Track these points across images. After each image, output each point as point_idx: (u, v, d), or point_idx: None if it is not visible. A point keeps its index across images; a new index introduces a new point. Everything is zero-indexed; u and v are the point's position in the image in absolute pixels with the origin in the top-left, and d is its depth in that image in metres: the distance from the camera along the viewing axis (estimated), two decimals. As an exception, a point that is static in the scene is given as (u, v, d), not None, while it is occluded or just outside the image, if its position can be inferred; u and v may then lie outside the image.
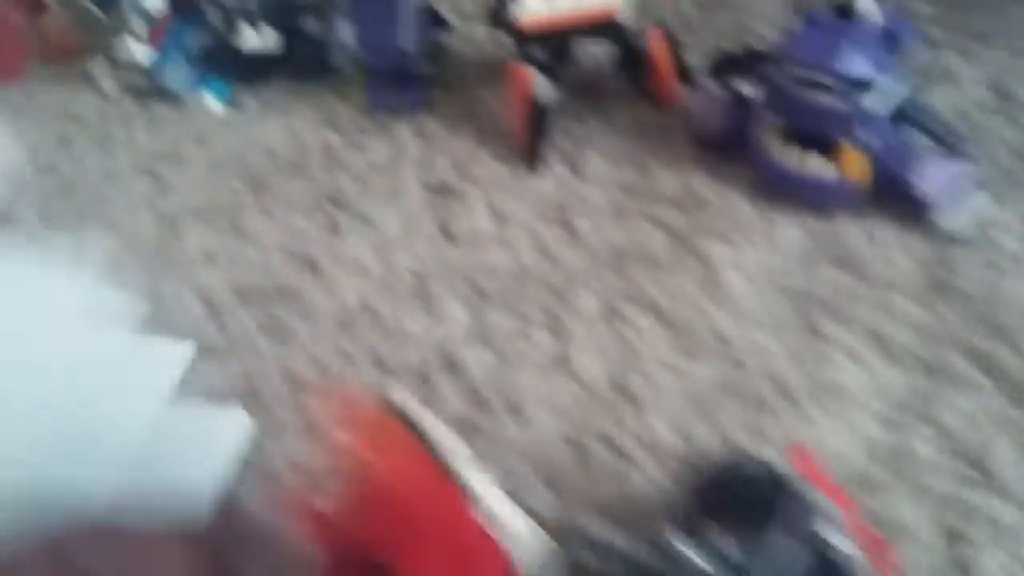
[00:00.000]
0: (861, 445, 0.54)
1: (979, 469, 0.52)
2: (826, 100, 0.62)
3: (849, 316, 0.60)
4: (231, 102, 0.87)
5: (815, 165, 0.65)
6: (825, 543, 0.41)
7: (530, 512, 0.52)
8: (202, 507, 0.53)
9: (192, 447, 0.57)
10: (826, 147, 0.65)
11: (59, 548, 0.36)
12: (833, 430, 0.55)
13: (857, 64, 0.60)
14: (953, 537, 0.49)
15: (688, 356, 0.60)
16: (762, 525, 0.43)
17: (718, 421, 0.56)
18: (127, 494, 0.52)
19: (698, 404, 0.57)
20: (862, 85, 0.61)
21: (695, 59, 0.78)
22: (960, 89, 0.73)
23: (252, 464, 0.57)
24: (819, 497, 0.45)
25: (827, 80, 0.61)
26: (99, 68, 0.90)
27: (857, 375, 0.57)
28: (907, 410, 0.55)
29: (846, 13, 0.62)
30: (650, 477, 0.54)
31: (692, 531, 0.43)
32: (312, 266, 0.70)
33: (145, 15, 0.84)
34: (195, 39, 0.88)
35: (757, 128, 0.67)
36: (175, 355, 0.61)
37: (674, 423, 0.56)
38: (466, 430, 0.58)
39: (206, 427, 0.59)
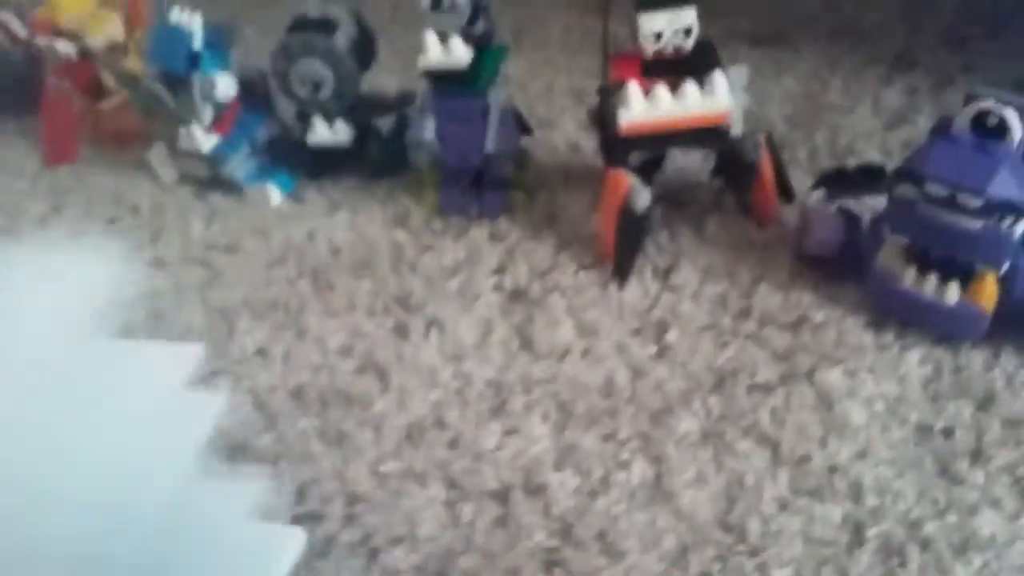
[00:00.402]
0: (1020, 610, 0.46)
1: None
2: (967, 222, 0.56)
3: (986, 457, 0.53)
4: (294, 196, 0.83)
5: (942, 290, 0.59)
6: None
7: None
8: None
9: (243, 563, 0.50)
10: (953, 270, 0.59)
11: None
12: (985, 590, 0.47)
13: (1009, 187, 0.55)
14: None
15: (809, 496, 0.53)
16: None
17: (848, 570, 0.49)
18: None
19: (823, 550, 0.50)
20: (1013, 209, 0.55)
21: (794, 176, 0.74)
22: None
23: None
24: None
25: (974, 202, 0.55)
26: (157, 155, 0.87)
27: (1002, 527, 0.50)
28: (1069, 571, 0.48)
29: (984, 128, 0.57)
30: (771, 633, 0.46)
31: None
32: (377, 371, 0.64)
33: (215, 103, 0.81)
34: (262, 130, 0.84)
35: (874, 247, 0.62)
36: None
37: (797, 571, 0.49)
38: (554, 566, 0.51)
39: (257, 543, 0.52)
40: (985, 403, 0.56)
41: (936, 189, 0.57)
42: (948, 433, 0.55)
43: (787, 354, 0.61)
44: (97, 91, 0.94)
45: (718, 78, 0.65)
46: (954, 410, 0.56)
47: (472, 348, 0.65)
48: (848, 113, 0.83)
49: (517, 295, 0.69)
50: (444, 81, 0.74)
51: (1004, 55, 0.87)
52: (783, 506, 0.52)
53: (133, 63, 0.90)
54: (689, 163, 0.79)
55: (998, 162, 0.56)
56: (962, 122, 0.58)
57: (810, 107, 0.85)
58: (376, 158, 0.82)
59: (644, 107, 0.65)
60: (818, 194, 0.67)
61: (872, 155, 0.76)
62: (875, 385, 0.58)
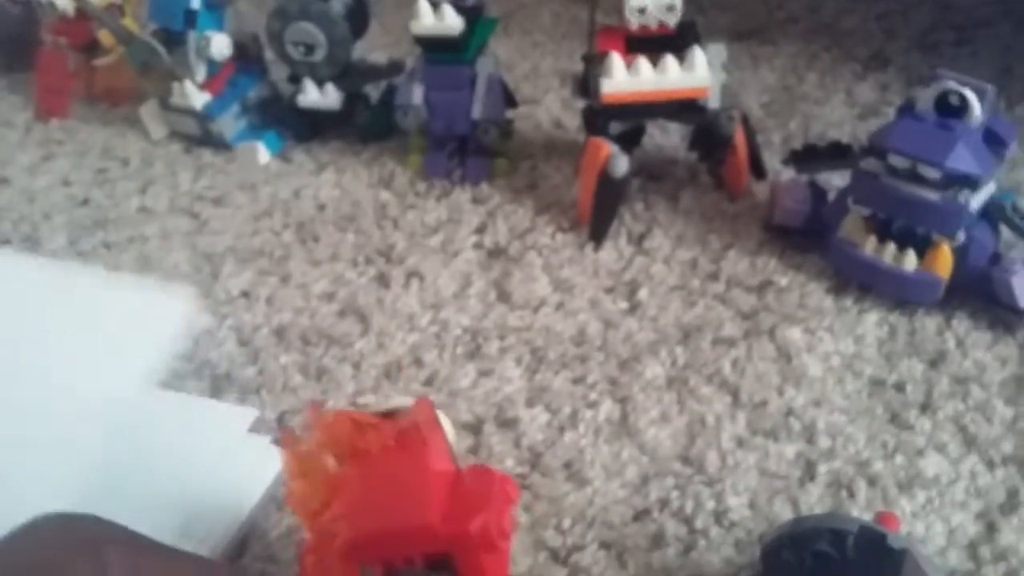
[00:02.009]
0: (956, 540, 0.49)
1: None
2: (926, 194, 0.59)
3: (934, 408, 0.56)
4: (282, 156, 0.85)
5: (900, 257, 0.62)
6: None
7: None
8: (221, 536, 0.49)
9: (219, 474, 0.52)
10: (912, 240, 0.62)
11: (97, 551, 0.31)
12: (927, 523, 0.50)
13: (966, 161, 0.58)
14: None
15: (765, 435, 0.55)
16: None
17: (798, 501, 0.51)
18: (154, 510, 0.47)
19: (776, 483, 0.52)
20: (969, 182, 0.59)
21: (766, 157, 0.77)
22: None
23: (278, 501, 0.53)
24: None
25: (932, 174, 0.59)
26: (149, 111, 0.89)
27: (947, 469, 0.53)
28: (1003, 507, 0.51)
29: (947, 108, 0.60)
30: (721, 551, 0.49)
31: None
32: (358, 315, 0.66)
33: (209, 61, 0.83)
34: (254, 91, 0.86)
35: (838, 218, 0.65)
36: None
37: (750, 500, 0.52)
38: (522, 490, 0.53)
39: (235, 456, 0.54)
40: (936, 362, 0.59)
41: (898, 161, 0.60)
42: (900, 387, 0.58)
43: (751, 313, 0.64)
44: (93, 49, 0.96)
45: (698, 54, 0.68)
46: (906, 367, 0.59)
47: (451, 298, 0.67)
48: (822, 104, 0.87)
49: (496, 252, 0.72)
50: (434, 48, 0.76)
51: (973, 61, 0.91)
52: (740, 443, 0.55)
53: (129, 23, 0.92)
54: (667, 141, 0.82)
55: (957, 138, 0.59)
56: (926, 101, 0.61)
57: (786, 97, 0.88)
58: (364, 123, 0.85)
59: (625, 78, 0.68)
60: (788, 169, 0.70)
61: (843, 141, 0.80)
62: (833, 343, 0.61)
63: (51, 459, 0.51)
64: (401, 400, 0.49)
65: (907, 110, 0.63)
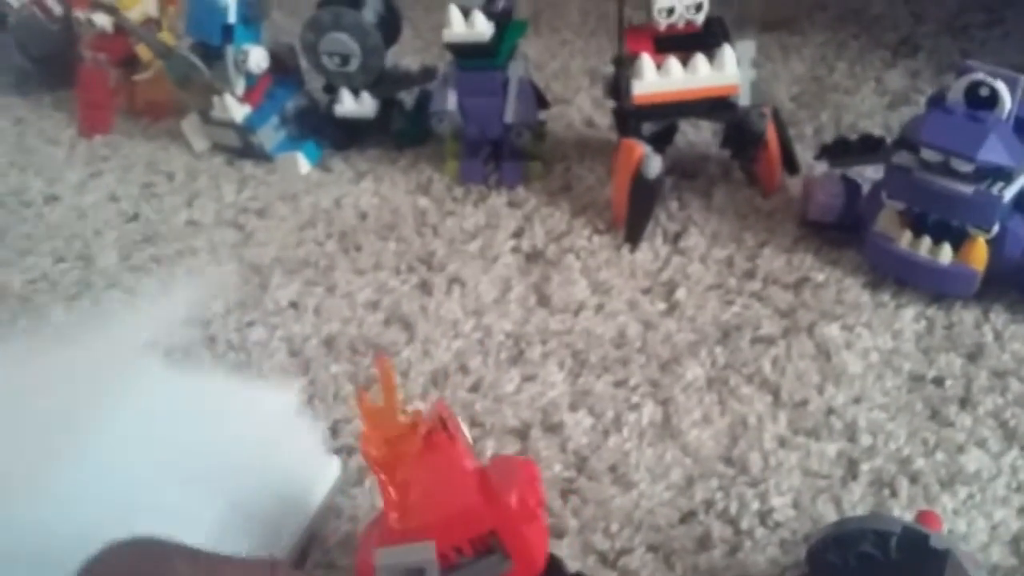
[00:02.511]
0: (999, 536, 0.50)
1: None
2: (959, 187, 0.60)
3: (974, 403, 0.57)
4: (321, 165, 0.87)
5: (935, 251, 0.63)
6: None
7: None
8: (284, 544, 0.51)
9: (283, 486, 0.54)
10: (947, 234, 0.63)
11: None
12: (968, 519, 0.51)
13: (998, 153, 0.59)
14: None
15: (806, 435, 0.56)
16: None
17: (841, 500, 0.52)
18: (223, 522, 0.49)
19: (819, 483, 0.54)
20: (1002, 174, 0.59)
21: (798, 151, 0.77)
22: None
23: (337, 510, 0.55)
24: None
25: (965, 167, 0.59)
26: (190, 125, 0.91)
27: (988, 464, 0.53)
28: (1049, 504, 0.51)
29: (977, 100, 0.60)
30: (767, 552, 0.50)
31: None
32: (403, 323, 0.68)
33: (247, 74, 0.85)
34: (291, 102, 0.88)
35: (873, 213, 0.66)
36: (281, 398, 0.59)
37: (794, 500, 0.53)
38: (569, 493, 0.55)
39: (295, 467, 0.56)
40: (975, 356, 0.60)
41: (931, 155, 0.61)
42: (939, 382, 0.59)
43: (789, 311, 0.65)
44: (132, 64, 0.98)
45: (727, 52, 0.69)
46: (945, 362, 0.60)
47: (492, 304, 0.69)
48: (852, 94, 0.87)
49: (534, 256, 0.73)
50: (466, 54, 0.78)
51: (1003, 43, 0.91)
52: (782, 443, 0.56)
53: (166, 37, 0.94)
54: (699, 139, 0.83)
55: (989, 130, 0.59)
56: (956, 93, 0.61)
57: (816, 88, 0.89)
58: (400, 130, 0.86)
59: (656, 78, 0.69)
60: (821, 163, 0.71)
61: (874, 132, 0.80)
62: (871, 339, 0.62)
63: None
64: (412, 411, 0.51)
65: (937, 102, 0.63)
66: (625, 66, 0.71)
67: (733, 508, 0.52)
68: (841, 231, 0.69)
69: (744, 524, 0.52)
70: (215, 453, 0.56)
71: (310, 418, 0.60)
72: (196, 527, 0.50)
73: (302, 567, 0.52)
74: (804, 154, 0.78)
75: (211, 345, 0.68)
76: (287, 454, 0.57)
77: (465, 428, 0.51)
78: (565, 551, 0.51)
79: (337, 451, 0.58)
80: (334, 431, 0.60)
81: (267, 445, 0.57)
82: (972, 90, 0.61)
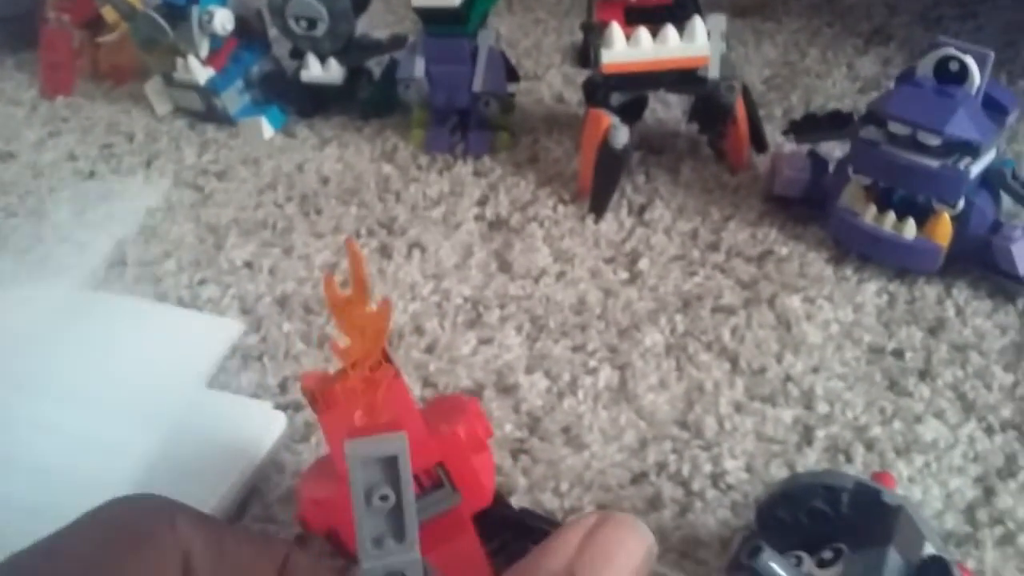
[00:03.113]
0: (954, 504, 0.49)
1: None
2: (926, 161, 0.59)
3: (933, 375, 0.56)
4: (285, 131, 0.85)
5: (900, 226, 0.62)
6: (945, 565, 0.36)
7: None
8: (222, 495, 0.49)
9: (222, 436, 0.52)
10: (912, 209, 0.62)
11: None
12: (924, 487, 0.50)
13: (967, 127, 0.58)
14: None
15: (763, 400, 0.56)
16: (861, 545, 0.38)
17: (795, 465, 0.52)
18: (157, 463, 0.48)
19: (774, 447, 0.53)
20: (969, 148, 0.59)
21: (768, 131, 0.77)
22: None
23: (280, 465, 0.53)
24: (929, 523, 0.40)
25: (932, 140, 0.59)
26: (153, 87, 0.89)
27: (945, 434, 0.53)
28: (1001, 472, 0.51)
29: (946, 75, 0.60)
30: (718, 514, 0.49)
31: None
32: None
33: (212, 36, 0.83)
34: (257, 66, 0.87)
35: (839, 188, 0.65)
36: (221, 333, 0.58)
37: (747, 463, 0.52)
38: (521, 454, 0.53)
39: (239, 419, 0.54)
40: (935, 329, 0.59)
41: (898, 128, 0.60)
42: (898, 354, 0.58)
43: (751, 282, 0.64)
44: (96, 26, 0.96)
45: (698, 24, 0.68)
46: (905, 335, 0.59)
47: (452, 268, 0.68)
48: (823, 78, 0.87)
49: (497, 224, 0.72)
50: (435, 20, 0.76)
51: (977, 35, 0.91)
52: (738, 408, 0.55)
53: (132, -1, 0.92)
54: (669, 116, 0.82)
55: (957, 104, 0.59)
56: (925, 68, 0.61)
57: (788, 72, 0.88)
58: (367, 98, 0.85)
59: (625, 48, 0.68)
60: (790, 142, 0.71)
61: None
62: (832, 311, 0.61)
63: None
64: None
65: (907, 77, 0.62)
66: (594, 34, 0.70)
67: (685, 470, 0.51)
68: (807, 206, 0.68)
69: (695, 486, 0.51)
70: (159, 392, 0.55)
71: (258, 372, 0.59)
72: (129, 463, 0.49)
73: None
74: (773, 134, 0.77)
75: (161, 302, 0.66)
76: (231, 406, 0.55)
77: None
78: (513, 510, 0.50)
79: (284, 407, 0.57)
80: (283, 387, 0.59)
81: (212, 395, 0.56)
82: (942, 65, 0.60)
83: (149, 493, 0.32)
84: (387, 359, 0.41)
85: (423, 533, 0.42)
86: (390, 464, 0.26)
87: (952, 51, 0.60)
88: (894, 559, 0.37)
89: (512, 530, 0.45)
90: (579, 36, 0.73)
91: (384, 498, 0.26)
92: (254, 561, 0.31)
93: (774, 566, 0.37)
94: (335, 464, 0.41)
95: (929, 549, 0.39)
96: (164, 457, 0.51)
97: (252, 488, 0.52)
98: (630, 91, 0.72)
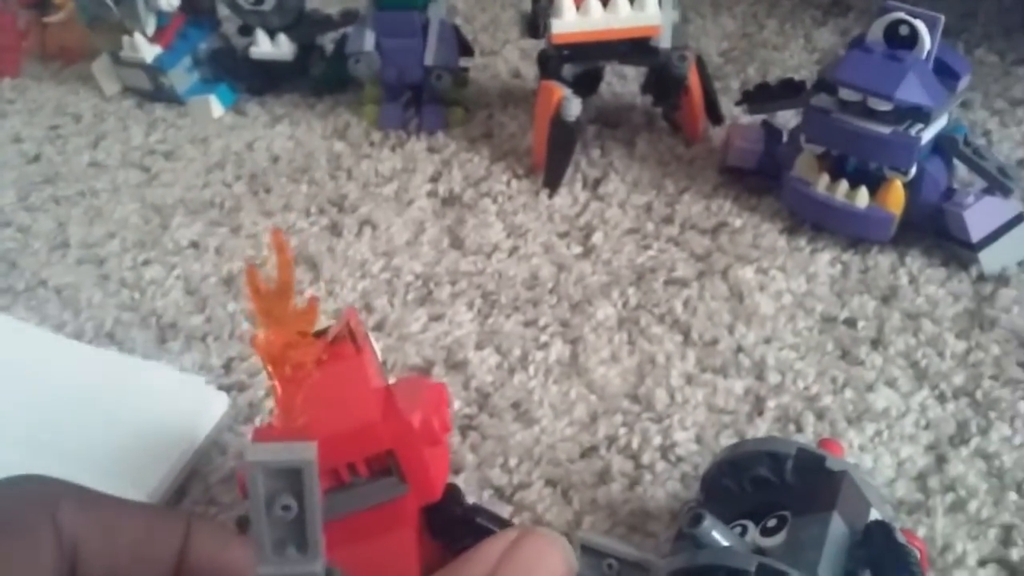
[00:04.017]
0: (905, 472, 0.49)
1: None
2: (877, 128, 0.59)
3: (885, 343, 0.56)
4: (236, 109, 0.84)
5: (852, 195, 0.61)
6: (890, 529, 0.36)
7: (537, 517, 0.47)
8: (161, 478, 0.48)
9: (162, 416, 0.51)
10: (863, 175, 0.61)
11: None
12: (875, 455, 0.50)
13: (917, 92, 0.57)
14: (1005, 566, 0.44)
15: (714, 372, 0.55)
16: (806, 511, 0.37)
17: (746, 435, 0.51)
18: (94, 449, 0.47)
19: (724, 418, 0.52)
20: (920, 114, 0.58)
21: (724, 104, 0.76)
22: (996, 147, 0.71)
23: (222, 446, 0.52)
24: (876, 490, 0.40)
25: (883, 106, 0.58)
26: (101, 67, 0.87)
27: (897, 402, 0.52)
28: (953, 439, 0.50)
29: (897, 39, 0.59)
30: (667, 486, 0.49)
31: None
32: (308, 263, 0.66)
33: (158, 13, 0.81)
34: (205, 42, 0.85)
35: (792, 158, 0.64)
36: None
37: (697, 435, 0.51)
38: (469, 430, 0.52)
39: (179, 399, 0.53)
40: (888, 298, 0.59)
41: (849, 95, 0.60)
42: (851, 323, 0.58)
43: (705, 255, 0.63)
44: (43, 6, 0.94)
45: (650, -7, 0.67)
46: (858, 304, 0.59)
47: (403, 245, 0.67)
48: (781, 50, 0.86)
49: (450, 200, 0.71)
50: (386, -7, 0.75)
51: (935, 5, 0.90)
52: (689, 380, 0.54)
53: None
54: (625, 90, 0.81)
55: (907, 69, 0.58)
56: (875, 32, 0.60)
57: (745, 44, 0.87)
58: (319, 75, 0.83)
59: (575, 17, 0.67)
60: (743, 109, 0.70)
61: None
62: (785, 281, 0.61)
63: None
64: (327, 322, 0.48)
65: (857, 43, 0.62)
66: (543, 3, 0.69)
67: (635, 443, 0.51)
68: (761, 177, 0.68)
69: (645, 459, 0.50)
70: (90, 379, 0.53)
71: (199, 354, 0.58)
72: (65, 442, 0.48)
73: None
74: (729, 107, 0.76)
75: (103, 283, 0.65)
76: (171, 384, 0.54)
77: (376, 345, 0.48)
78: (462, 486, 0.49)
79: (228, 388, 0.56)
80: (227, 368, 0.58)
81: (151, 373, 0.55)
82: (892, 29, 0.59)
83: (32, 475, 0.30)
84: (351, 336, 0.40)
85: (362, 519, 0.41)
86: (295, 475, 0.24)
87: (902, 15, 0.59)
88: (837, 525, 0.36)
89: (461, 528, 0.43)
90: (529, 5, 0.71)
91: (286, 508, 0.24)
92: (152, 537, 0.30)
93: (715, 534, 0.36)
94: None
95: (874, 515, 0.38)
96: (101, 437, 0.50)
97: (192, 470, 0.51)
98: (582, 62, 0.71)
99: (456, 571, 0.32)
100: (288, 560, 0.24)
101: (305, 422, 0.38)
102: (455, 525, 0.43)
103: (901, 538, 0.36)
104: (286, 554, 0.24)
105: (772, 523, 0.38)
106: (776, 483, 0.40)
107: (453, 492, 0.44)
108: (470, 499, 0.46)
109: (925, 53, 0.59)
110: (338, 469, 0.40)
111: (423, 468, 0.40)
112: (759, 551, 0.37)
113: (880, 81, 0.58)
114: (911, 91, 0.58)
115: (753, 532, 0.39)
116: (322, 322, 0.41)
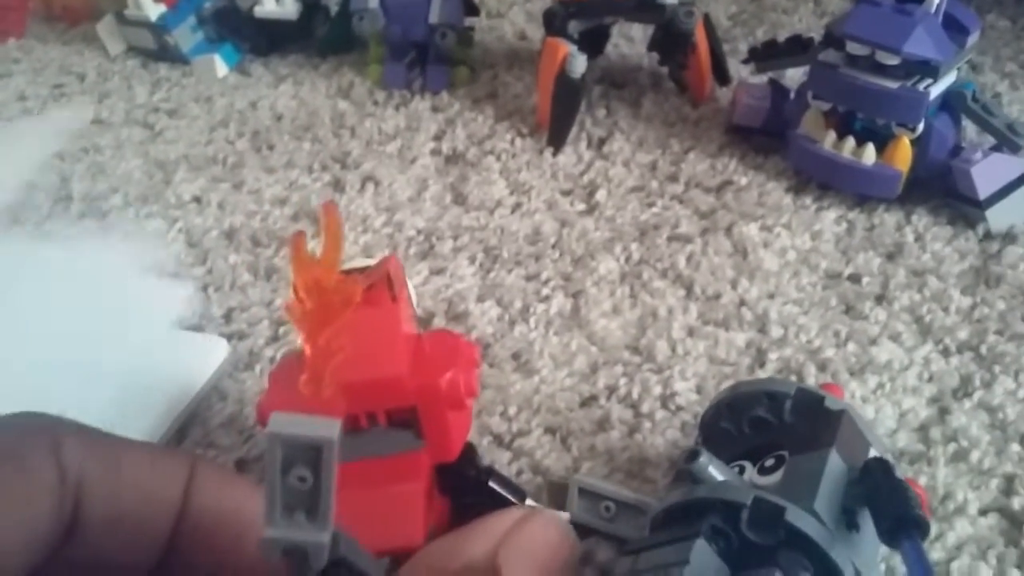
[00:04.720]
0: (907, 423, 0.48)
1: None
2: (885, 83, 0.58)
3: (889, 299, 0.55)
4: (240, 69, 0.83)
5: (859, 152, 0.61)
6: (888, 466, 0.35)
7: (535, 463, 0.47)
8: (160, 421, 0.48)
9: (163, 361, 0.51)
10: (871, 133, 0.61)
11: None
12: (877, 406, 0.49)
13: (925, 46, 0.57)
14: (1006, 515, 0.44)
15: (716, 325, 0.54)
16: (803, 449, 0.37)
17: (749, 388, 0.50)
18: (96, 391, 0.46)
19: (725, 369, 0.52)
20: (928, 69, 0.57)
21: (731, 66, 0.75)
22: (1007, 110, 0.70)
23: (223, 392, 0.52)
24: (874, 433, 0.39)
25: (891, 60, 0.57)
26: (106, 27, 0.87)
27: (900, 356, 0.52)
28: (956, 392, 0.50)
29: (905, -7, 0.59)
30: (667, 434, 0.48)
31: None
32: (311, 218, 0.65)
33: (163, -29, 0.81)
34: (209, 1, 0.84)
35: (799, 116, 0.64)
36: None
37: (698, 385, 0.51)
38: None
39: (183, 347, 0.53)
40: (894, 255, 0.58)
41: (856, 49, 0.59)
42: (855, 279, 0.57)
43: (709, 212, 0.63)
44: (47, -35, 0.94)
45: (656, -50, 0.67)
46: (863, 260, 0.58)
47: (406, 201, 0.66)
48: (790, 14, 0.85)
49: (454, 158, 0.70)
50: (390, -50, 0.75)
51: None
52: (691, 333, 0.54)
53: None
54: (632, 51, 0.80)
55: (916, 22, 0.57)
56: (883, -12, 0.59)
57: (754, 7, 0.87)
58: (324, 35, 0.83)
59: (583, -29, 0.67)
60: (750, 68, 0.69)
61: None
62: (790, 239, 0.60)
63: None
64: (367, 260, 0.48)
65: (866, -1, 0.61)
66: (550, -41, 0.68)
67: (635, 393, 0.50)
68: (767, 136, 0.67)
69: (645, 408, 0.50)
70: (92, 323, 0.53)
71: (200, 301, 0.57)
72: (69, 385, 0.48)
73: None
74: (737, 68, 0.76)
75: (105, 236, 0.65)
76: (169, 330, 0.54)
77: (413, 293, 0.48)
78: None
79: (229, 336, 0.55)
80: (228, 318, 0.57)
81: (148, 321, 0.55)
82: (899, -20, 0.59)
83: (33, 412, 0.30)
84: (388, 284, 0.39)
85: (373, 466, 0.40)
86: (315, 450, 0.24)
87: (912, -31, 0.58)
88: (835, 461, 0.36)
89: (473, 490, 0.42)
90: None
91: (302, 479, 0.23)
92: (157, 476, 0.30)
93: (711, 469, 0.36)
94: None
95: (873, 453, 0.38)
96: (101, 382, 0.49)
97: (193, 414, 0.51)
98: (588, 19, 0.71)
99: (459, 541, 0.32)
100: (296, 526, 0.24)
101: (337, 382, 0.37)
102: (468, 486, 0.42)
103: (900, 475, 0.36)
104: (294, 519, 0.24)
105: (770, 463, 0.38)
106: (774, 423, 0.40)
107: (469, 453, 0.42)
108: (486, 460, 0.45)
109: (934, 7, 0.58)
110: (357, 415, 0.39)
111: (444, 429, 0.40)
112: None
113: (888, 34, 0.58)
114: (919, 45, 0.57)
115: (751, 471, 0.38)
116: (359, 259, 0.41)
